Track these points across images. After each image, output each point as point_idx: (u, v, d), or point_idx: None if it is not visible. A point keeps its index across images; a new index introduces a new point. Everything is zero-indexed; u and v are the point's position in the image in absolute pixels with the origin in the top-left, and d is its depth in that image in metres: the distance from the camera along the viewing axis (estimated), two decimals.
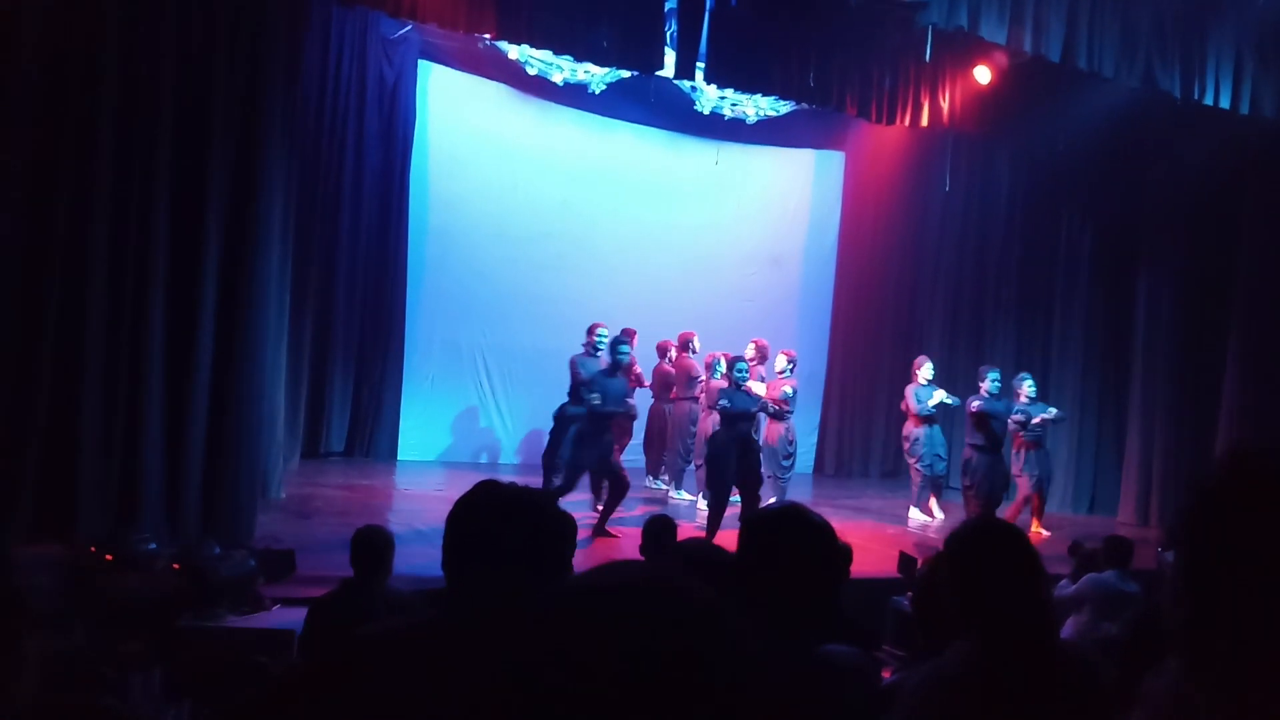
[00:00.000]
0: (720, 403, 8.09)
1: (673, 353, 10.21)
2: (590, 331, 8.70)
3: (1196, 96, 8.77)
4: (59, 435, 6.06)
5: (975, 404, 9.10)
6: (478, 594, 1.67)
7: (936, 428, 9.72)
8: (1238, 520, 0.92)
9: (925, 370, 9.69)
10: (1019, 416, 9.23)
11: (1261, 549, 0.90)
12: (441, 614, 1.74)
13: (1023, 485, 9.37)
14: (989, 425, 9.05)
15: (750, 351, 9.62)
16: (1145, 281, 10.93)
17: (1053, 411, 9.41)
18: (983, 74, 10.02)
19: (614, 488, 7.93)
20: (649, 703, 0.68)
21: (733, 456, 7.90)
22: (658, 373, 10.44)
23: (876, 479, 12.75)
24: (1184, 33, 8.70)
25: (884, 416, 12.94)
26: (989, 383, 9.14)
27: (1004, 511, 9.17)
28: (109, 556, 5.23)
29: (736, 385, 8.11)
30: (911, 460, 9.74)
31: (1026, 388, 9.43)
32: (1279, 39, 8.90)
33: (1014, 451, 9.41)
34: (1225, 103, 8.81)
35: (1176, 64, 8.71)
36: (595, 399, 7.85)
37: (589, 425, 7.90)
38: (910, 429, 9.70)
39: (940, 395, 9.39)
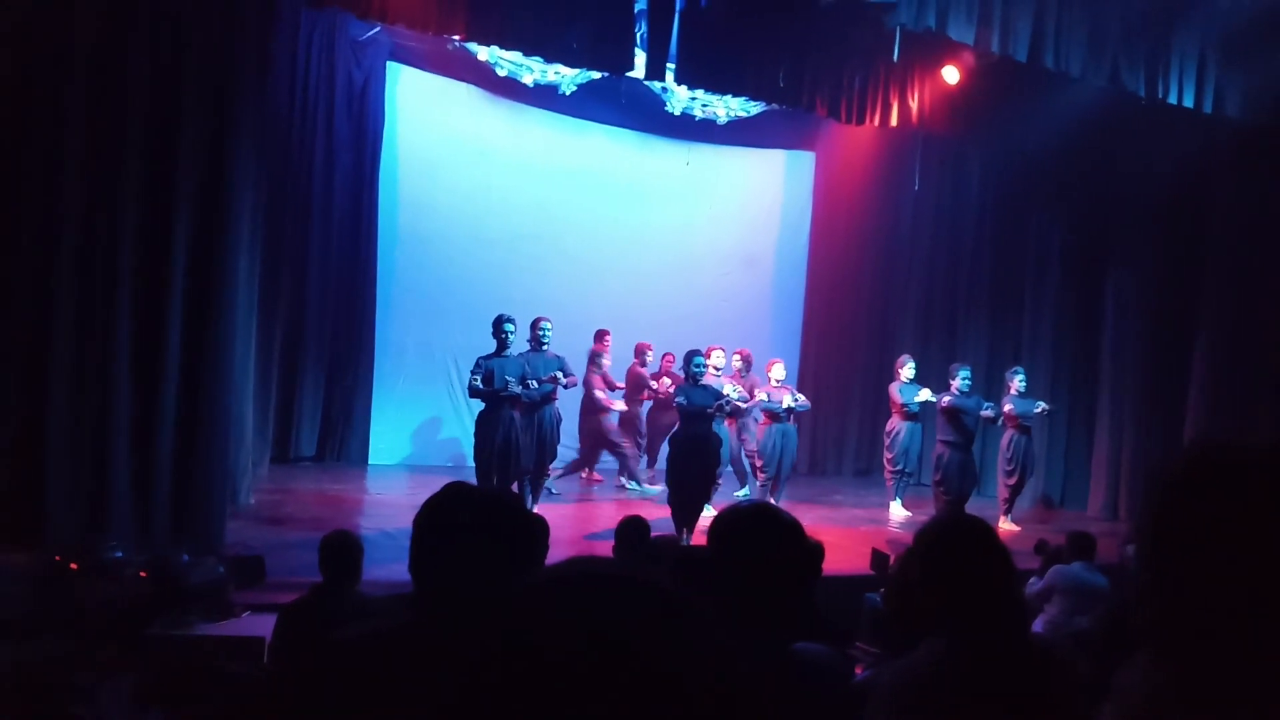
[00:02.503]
0: (676, 399, 8.05)
1: (649, 355, 10.31)
2: (534, 326, 8.62)
3: (1162, 96, 8.88)
4: (26, 443, 5.98)
5: (946, 400, 9.24)
6: (446, 597, 1.66)
7: (918, 425, 9.87)
8: (1198, 513, 0.93)
9: (908, 369, 9.90)
10: (988, 412, 9.39)
11: (1222, 541, 0.90)
12: (411, 618, 1.73)
13: (1004, 481, 9.69)
14: (960, 420, 9.21)
15: (736, 362, 10.06)
16: (1114, 279, 11.06)
17: (1041, 405, 9.63)
18: (951, 74, 10.10)
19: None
20: (615, 694, 0.68)
21: (693, 455, 7.87)
22: (631, 374, 10.46)
23: (850, 477, 12.81)
24: (1149, 33, 8.80)
25: (857, 415, 13.02)
26: (959, 380, 9.31)
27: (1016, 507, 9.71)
28: (76, 565, 5.17)
29: (694, 380, 8.09)
30: (887, 458, 9.90)
31: (1017, 382, 9.66)
32: (1242, 39, 9.02)
33: (1004, 440, 9.68)
34: (1190, 102, 8.92)
35: (1142, 64, 8.81)
36: (475, 379, 7.89)
37: (483, 410, 7.97)
38: (894, 424, 9.86)
39: (925, 394, 9.55)
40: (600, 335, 10.58)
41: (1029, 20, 8.38)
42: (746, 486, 10.05)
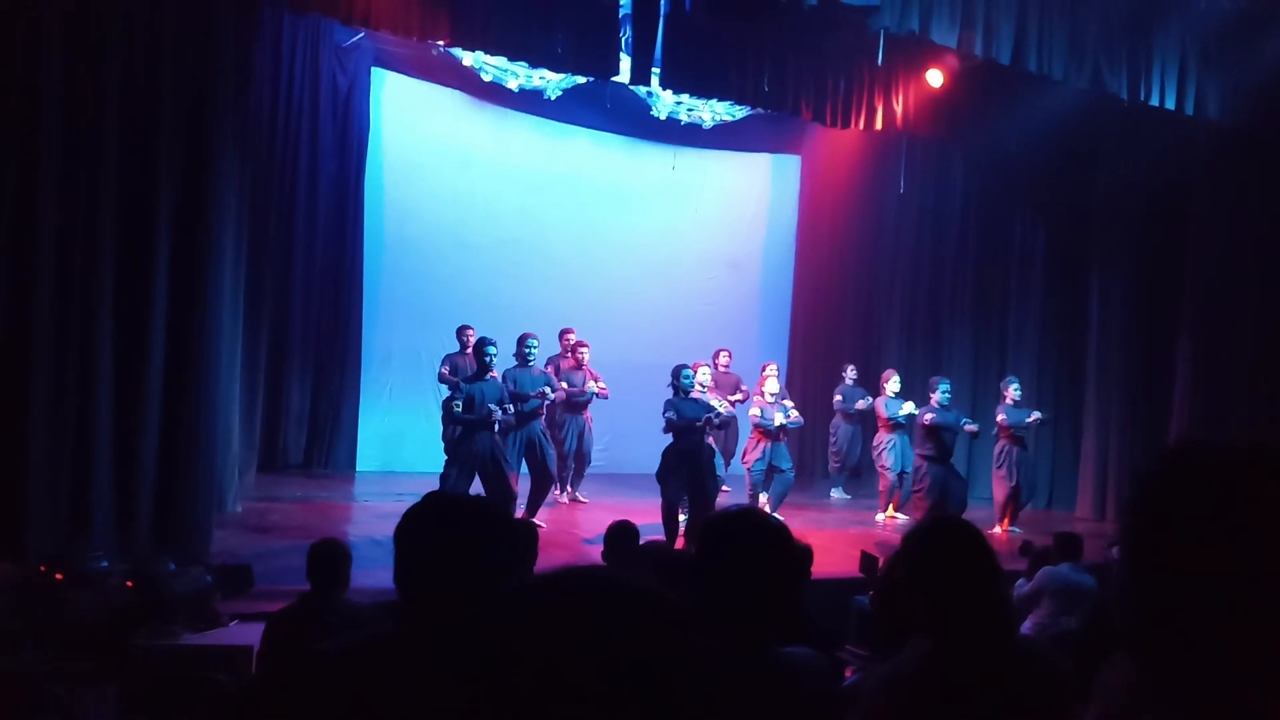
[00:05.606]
0: (666, 414, 7.93)
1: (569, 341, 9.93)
2: (520, 342, 8.51)
3: (1143, 98, 8.93)
4: (6, 452, 5.92)
5: (928, 416, 9.23)
6: (430, 606, 1.65)
7: (905, 436, 9.89)
8: (1176, 514, 0.93)
9: (892, 383, 9.95)
10: (971, 427, 9.40)
11: (1200, 542, 0.90)
12: (397, 628, 1.72)
13: (1000, 489, 9.53)
14: (939, 436, 9.21)
15: (723, 359, 10.16)
16: (1097, 280, 11.12)
17: (1035, 415, 9.59)
18: (935, 77, 10.14)
19: (533, 482, 8.13)
20: (598, 699, 0.68)
21: (682, 470, 7.79)
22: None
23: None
24: (1130, 36, 8.86)
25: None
26: (939, 394, 9.30)
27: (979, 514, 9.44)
28: (60, 575, 5.13)
29: (684, 393, 8.00)
30: (884, 466, 9.83)
31: (1012, 391, 9.63)
32: (1221, 42, 9.09)
33: (996, 449, 9.59)
34: (1171, 104, 8.98)
35: (1124, 66, 8.87)
36: (456, 405, 7.72)
37: (461, 431, 7.80)
38: (881, 437, 9.87)
39: (909, 407, 9.55)
40: (561, 335, 10.29)
41: (1011, 23, 8.42)
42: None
